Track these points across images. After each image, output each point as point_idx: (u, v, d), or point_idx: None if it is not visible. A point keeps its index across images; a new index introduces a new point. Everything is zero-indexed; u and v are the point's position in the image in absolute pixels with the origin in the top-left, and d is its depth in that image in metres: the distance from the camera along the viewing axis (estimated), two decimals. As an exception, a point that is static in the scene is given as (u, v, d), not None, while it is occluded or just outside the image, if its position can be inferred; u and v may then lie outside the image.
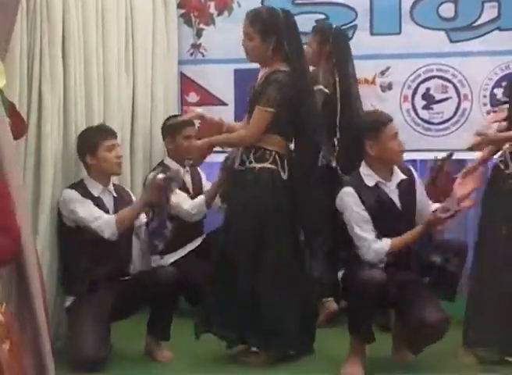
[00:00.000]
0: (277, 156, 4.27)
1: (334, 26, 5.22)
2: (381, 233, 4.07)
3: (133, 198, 4.65)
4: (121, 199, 4.51)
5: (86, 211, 4.29)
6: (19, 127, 3.70)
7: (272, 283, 4.21)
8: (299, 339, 4.33)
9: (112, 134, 4.50)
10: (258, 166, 4.27)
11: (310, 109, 4.34)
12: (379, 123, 4.16)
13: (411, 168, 4.35)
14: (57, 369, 3.47)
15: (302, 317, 4.32)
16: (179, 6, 5.78)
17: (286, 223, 4.27)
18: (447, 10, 5.45)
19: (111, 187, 4.49)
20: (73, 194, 4.33)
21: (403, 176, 4.21)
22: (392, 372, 4.16)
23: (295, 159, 4.31)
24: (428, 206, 4.22)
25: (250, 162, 4.29)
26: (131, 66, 5.31)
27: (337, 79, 5.01)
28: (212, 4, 5.75)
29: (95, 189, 4.40)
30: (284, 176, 4.27)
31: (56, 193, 4.39)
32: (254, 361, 4.30)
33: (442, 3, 5.46)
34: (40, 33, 4.29)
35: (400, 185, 4.19)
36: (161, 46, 5.60)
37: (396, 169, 4.22)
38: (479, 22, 5.41)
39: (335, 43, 5.09)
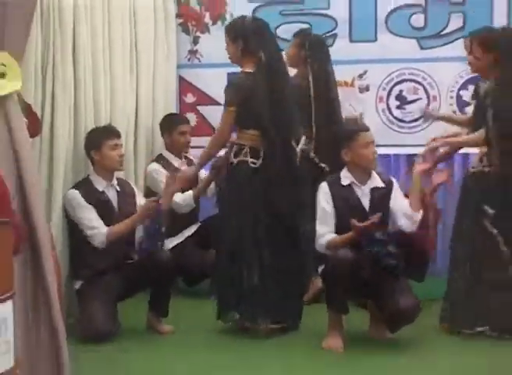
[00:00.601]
0: (249, 150, 4.34)
1: (313, 33, 5.28)
2: (344, 231, 4.09)
3: (135, 188, 4.74)
4: (123, 192, 4.58)
5: (85, 217, 4.37)
6: (35, 126, 3.64)
7: (258, 261, 4.32)
8: (284, 313, 4.39)
9: (116, 134, 4.57)
10: (235, 160, 4.39)
11: (281, 103, 4.35)
12: (353, 132, 4.28)
13: (393, 179, 4.36)
14: (68, 343, 3.22)
15: (288, 293, 4.39)
16: (178, 16, 5.85)
17: (265, 209, 4.33)
18: (418, 20, 5.55)
19: (114, 182, 4.55)
20: (77, 196, 4.39)
21: (381, 184, 4.25)
22: (371, 343, 4.22)
23: (269, 149, 4.33)
24: (400, 213, 4.20)
25: (232, 158, 4.41)
26: (135, 70, 5.37)
27: (311, 81, 5.04)
28: (207, 14, 5.83)
29: (100, 184, 4.47)
30: (257, 164, 4.32)
31: (67, 185, 4.47)
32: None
33: (413, 14, 5.55)
34: (53, 42, 4.37)
35: (373, 190, 4.22)
36: (161, 52, 5.66)
37: (375, 175, 4.27)
38: (447, 31, 5.50)
39: (310, 48, 5.13)
